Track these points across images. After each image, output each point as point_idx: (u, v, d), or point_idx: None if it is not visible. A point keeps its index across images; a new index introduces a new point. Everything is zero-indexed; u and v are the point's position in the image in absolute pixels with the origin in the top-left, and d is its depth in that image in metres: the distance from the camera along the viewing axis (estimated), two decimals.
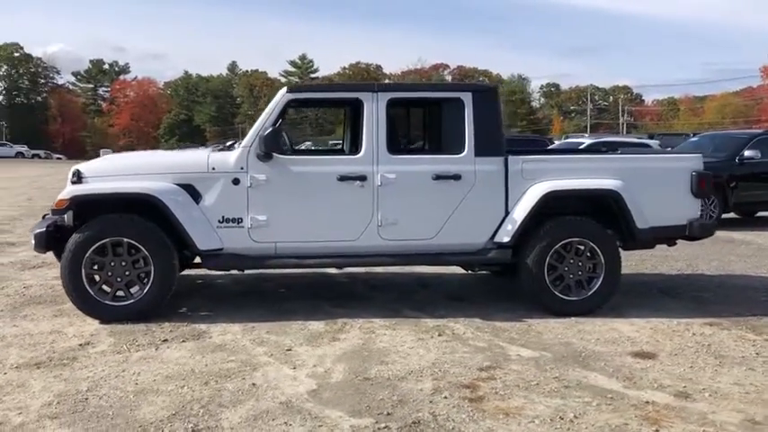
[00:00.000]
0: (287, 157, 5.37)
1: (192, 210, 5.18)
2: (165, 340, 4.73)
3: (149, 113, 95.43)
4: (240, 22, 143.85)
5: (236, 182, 5.24)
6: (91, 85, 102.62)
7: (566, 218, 5.58)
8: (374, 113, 5.38)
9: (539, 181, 5.51)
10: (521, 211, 5.45)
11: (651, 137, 22.26)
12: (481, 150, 5.48)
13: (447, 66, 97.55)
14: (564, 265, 5.55)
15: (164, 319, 5.20)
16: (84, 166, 5.29)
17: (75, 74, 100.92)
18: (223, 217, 5.25)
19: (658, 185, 5.69)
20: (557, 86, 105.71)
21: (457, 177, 5.41)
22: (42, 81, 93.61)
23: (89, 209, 5.19)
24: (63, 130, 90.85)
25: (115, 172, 5.29)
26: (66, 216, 5.12)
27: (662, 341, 4.87)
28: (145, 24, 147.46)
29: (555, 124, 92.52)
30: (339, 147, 7.12)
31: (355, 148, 5.60)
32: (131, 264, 5.12)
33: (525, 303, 5.72)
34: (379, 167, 5.34)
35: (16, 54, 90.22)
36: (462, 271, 6.76)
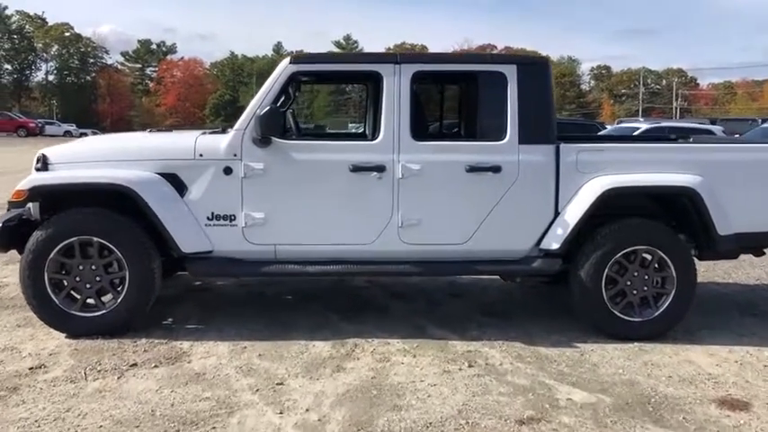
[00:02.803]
0: (289, 142, 4.45)
1: (174, 204, 4.32)
2: (134, 364, 3.89)
3: (195, 93, 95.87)
4: (287, 2, 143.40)
5: (227, 171, 4.36)
6: (139, 65, 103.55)
7: (630, 220, 4.54)
8: (396, 90, 4.42)
9: (597, 174, 4.49)
10: (574, 212, 4.43)
11: (713, 122, 20.62)
12: (527, 137, 4.47)
13: (494, 46, 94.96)
14: (626, 278, 4.52)
15: (142, 332, 4.38)
16: (51, 151, 4.47)
17: (123, 54, 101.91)
18: (213, 213, 4.38)
19: (746, 182, 4.60)
20: (608, 69, 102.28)
21: (496, 169, 4.42)
22: (92, 61, 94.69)
23: (59, 201, 4.38)
24: (111, 110, 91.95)
25: (87, 158, 4.45)
26: (31, 208, 4.33)
27: (754, 382, 3.83)
28: (194, 5, 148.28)
29: (605, 108, 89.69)
30: (360, 131, 6.18)
31: (373, 132, 4.65)
32: (103, 268, 4.30)
33: (577, 322, 4.71)
34: (401, 156, 4.39)
35: (67, 34, 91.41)
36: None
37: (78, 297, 4.32)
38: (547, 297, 5.62)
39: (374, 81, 4.81)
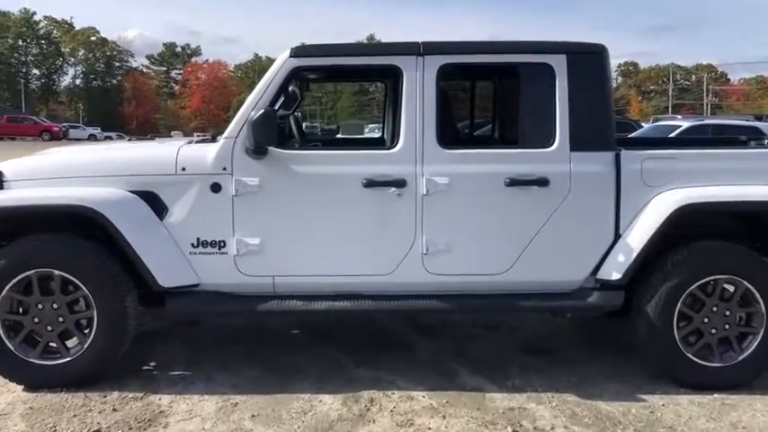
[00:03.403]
0: (289, 152, 3.68)
1: (151, 228, 3.58)
2: (97, 431, 3.15)
3: (220, 96, 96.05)
4: (309, 5, 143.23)
5: (215, 188, 3.60)
6: (164, 68, 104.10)
7: (707, 244, 3.69)
8: (419, 87, 3.62)
9: (668, 187, 3.65)
10: (640, 234, 3.60)
11: (759, 118, 19.40)
12: (580, 142, 3.64)
13: None
14: (703, 314, 3.67)
15: (115, 383, 3.64)
16: (8, 166, 3.75)
17: (148, 57, 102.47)
18: (198, 239, 3.63)
19: None
20: (635, 65, 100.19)
21: (542, 182, 3.60)
22: (117, 64, 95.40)
23: (17, 226, 3.67)
24: (137, 113, 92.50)
25: (49, 174, 3.71)
26: None
27: None
28: (219, 8, 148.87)
29: (632, 105, 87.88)
30: (376, 136, 5.35)
31: (391, 138, 3.86)
32: (67, 306, 3.56)
33: (643, 365, 3.88)
34: (425, 167, 3.60)
35: (93, 38, 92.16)
36: None
37: (38, 341, 3.59)
38: (600, 330, 4.76)
39: (392, 77, 4.02)
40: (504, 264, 3.68)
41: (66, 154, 4.03)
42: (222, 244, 3.63)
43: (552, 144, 3.65)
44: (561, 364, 4.05)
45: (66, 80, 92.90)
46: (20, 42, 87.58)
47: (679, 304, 3.63)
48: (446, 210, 3.63)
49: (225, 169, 3.59)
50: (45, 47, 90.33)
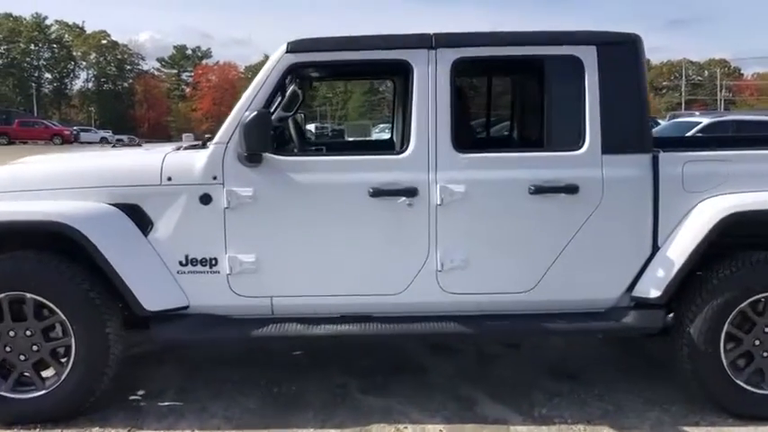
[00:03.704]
0: (286, 158, 3.30)
1: (134, 245, 3.21)
2: None
3: (230, 97, 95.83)
4: (321, 5, 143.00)
5: (205, 200, 3.23)
6: (175, 71, 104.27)
7: (760, 256, 3.27)
8: (431, 84, 3.24)
9: (712, 194, 3.24)
10: (682, 246, 3.19)
11: None
12: (613, 144, 3.24)
13: None
14: (753, 335, 3.27)
15: (96, 417, 3.28)
16: None
17: (159, 60, 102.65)
18: (187, 257, 3.26)
19: None
20: (647, 62, 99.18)
21: (571, 189, 3.20)
22: (128, 67, 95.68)
23: None
24: (148, 116, 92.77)
25: (21, 185, 3.35)
26: None
27: None
28: (230, 10, 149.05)
29: None
30: (385, 138, 4.93)
31: (401, 141, 3.47)
32: (42, 333, 3.20)
33: (684, 389, 3.47)
34: (439, 174, 3.21)
35: (104, 42, 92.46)
36: None
37: (10, 372, 3.24)
38: (632, 347, 4.34)
39: (402, 73, 3.64)
40: (529, 281, 3.28)
41: (42, 163, 3.66)
42: (213, 262, 3.26)
43: (582, 146, 3.25)
44: (592, 388, 3.65)
45: (78, 84, 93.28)
46: (32, 47, 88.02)
47: (726, 324, 3.22)
48: (463, 221, 3.24)
49: (215, 178, 3.22)
50: (57, 51, 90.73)
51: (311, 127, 36.92)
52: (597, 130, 3.24)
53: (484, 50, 3.35)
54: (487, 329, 3.31)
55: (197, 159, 3.26)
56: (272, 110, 3.37)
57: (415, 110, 3.24)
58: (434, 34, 3.29)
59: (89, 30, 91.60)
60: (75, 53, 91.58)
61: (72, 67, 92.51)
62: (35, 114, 65.56)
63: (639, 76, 3.32)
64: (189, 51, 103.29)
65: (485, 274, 3.27)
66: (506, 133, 4.47)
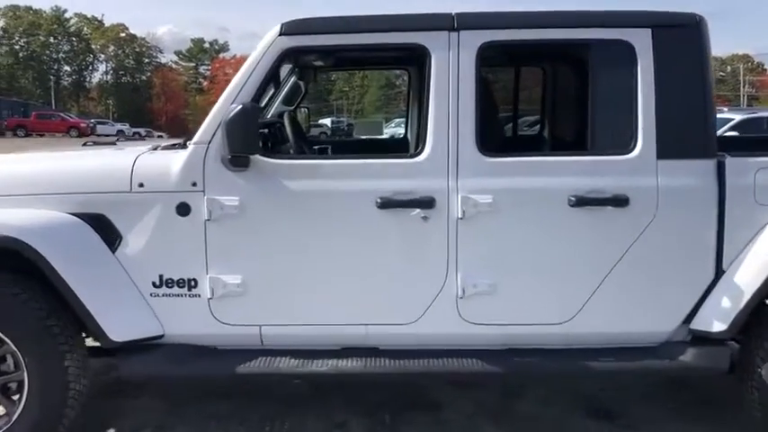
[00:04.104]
0: (278, 161, 2.77)
1: (98, 263, 2.72)
2: None
3: None
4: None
5: (183, 210, 2.72)
6: (192, 64, 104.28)
7: None
8: (452, 73, 2.70)
9: None
10: (753, 270, 2.65)
11: None
12: (670, 147, 2.70)
13: None
14: None
15: None
16: None
17: (177, 53, 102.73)
18: (161, 277, 2.76)
19: None
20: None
21: (620, 201, 2.66)
22: (146, 60, 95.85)
23: None
24: (166, 108, 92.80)
25: None
26: None
27: None
28: (247, 4, 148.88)
29: None
30: (397, 138, 4.35)
31: (416, 142, 2.95)
32: None
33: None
34: (461, 181, 2.68)
35: (122, 35, 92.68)
36: None
37: None
38: (681, 379, 3.78)
39: (417, 61, 3.12)
40: (567, 310, 2.75)
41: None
42: (193, 283, 2.76)
43: (633, 149, 2.71)
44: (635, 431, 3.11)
45: (96, 76, 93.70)
46: (51, 39, 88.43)
47: None
48: (489, 238, 2.71)
49: (194, 185, 2.72)
50: (76, 44, 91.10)
51: (327, 121, 36.53)
52: (651, 131, 2.70)
53: (516, 33, 2.78)
54: (516, 368, 2.77)
55: (173, 162, 2.75)
56: (262, 103, 2.85)
57: (432, 104, 2.71)
58: (457, 14, 2.76)
59: (108, 23, 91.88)
60: (93, 46, 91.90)
61: (91, 60, 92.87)
62: (53, 107, 65.74)
63: (703, 66, 2.75)
64: (206, 45, 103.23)
65: (514, 302, 2.74)
66: (536, 132, 3.91)
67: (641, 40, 2.71)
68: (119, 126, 59.41)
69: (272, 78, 2.80)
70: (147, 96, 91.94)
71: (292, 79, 3.92)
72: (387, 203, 2.67)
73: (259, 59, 2.73)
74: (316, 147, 4.02)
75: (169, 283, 2.76)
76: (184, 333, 2.80)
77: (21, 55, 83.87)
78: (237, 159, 2.66)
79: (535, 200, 2.70)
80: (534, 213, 2.70)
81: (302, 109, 4.46)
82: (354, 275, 2.75)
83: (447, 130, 2.70)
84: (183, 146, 2.88)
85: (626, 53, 2.72)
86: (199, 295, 2.76)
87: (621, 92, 2.74)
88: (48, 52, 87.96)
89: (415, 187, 2.69)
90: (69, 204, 2.74)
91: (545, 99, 3.89)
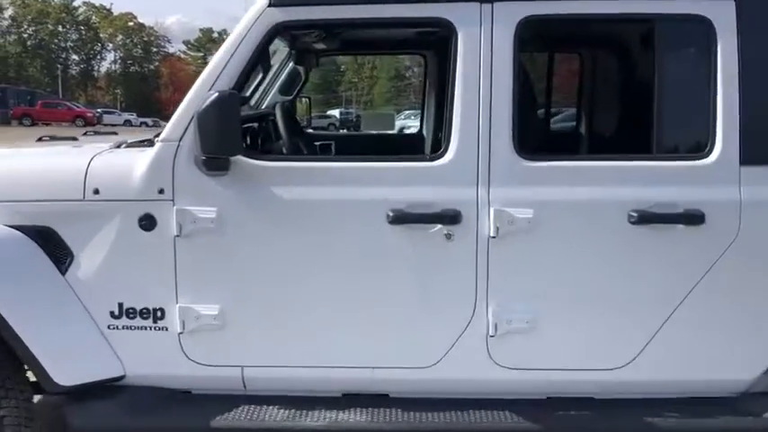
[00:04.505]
0: (266, 163, 2.22)
1: (44, 288, 2.20)
2: None
3: None
4: None
5: (147, 224, 2.19)
6: (201, 54, 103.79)
7: None
8: (483, 55, 2.15)
9: None
10: None
11: None
12: (757, 150, 2.14)
13: None
14: None
15: None
16: None
17: (185, 42, 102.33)
18: (121, 306, 2.24)
19: None
20: None
21: (693, 218, 2.12)
22: (155, 50, 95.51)
23: None
24: (174, 99, 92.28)
25: None
26: None
27: None
28: None
29: None
30: (412, 134, 3.76)
31: (435, 141, 2.41)
32: None
33: None
34: (494, 191, 2.14)
35: (130, 23, 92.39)
36: None
37: None
38: None
39: (439, 42, 2.56)
40: (623, 353, 2.21)
41: None
42: (159, 314, 2.23)
43: (709, 153, 2.16)
44: None
45: (104, 66, 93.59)
46: (59, 28, 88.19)
47: None
48: (528, 262, 2.17)
49: (162, 192, 2.18)
50: (84, 32, 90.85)
51: (335, 112, 35.92)
52: (734, 130, 2.14)
53: (565, 6, 2.22)
54: (559, 423, 2.23)
55: (136, 164, 2.22)
56: (248, 91, 2.32)
57: (459, 95, 2.16)
58: None
59: (116, 12, 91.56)
60: (102, 35, 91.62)
61: (99, 49, 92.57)
62: (61, 96, 65.42)
63: None
64: (215, 34, 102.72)
65: (558, 342, 2.20)
66: (572, 129, 3.34)
67: (722, 15, 2.15)
68: (126, 116, 59.14)
69: (259, 60, 2.25)
70: (155, 86, 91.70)
71: (290, 65, 3.38)
72: (400, 218, 2.13)
73: (243, 36, 2.19)
74: (317, 143, 3.48)
75: (130, 313, 2.24)
76: (149, 374, 2.27)
77: (29, 44, 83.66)
78: (214, 161, 2.12)
79: (586, 215, 2.15)
80: (585, 232, 2.16)
81: (303, 99, 3.92)
82: (359, 306, 2.21)
83: (477, 126, 2.15)
84: (152, 143, 2.34)
85: (702, 32, 2.16)
86: (166, 328, 2.24)
87: (696, 79, 2.19)
88: (56, 41, 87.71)
89: (435, 197, 2.15)
90: (8, 215, 2.22)
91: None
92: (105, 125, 44.64)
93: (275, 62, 3.26)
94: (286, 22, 2.20)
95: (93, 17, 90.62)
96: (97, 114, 47.24)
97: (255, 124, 2.69)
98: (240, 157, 2.16)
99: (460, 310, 2.19)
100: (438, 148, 2.25)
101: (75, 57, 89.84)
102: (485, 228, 2.14)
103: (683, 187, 2.14)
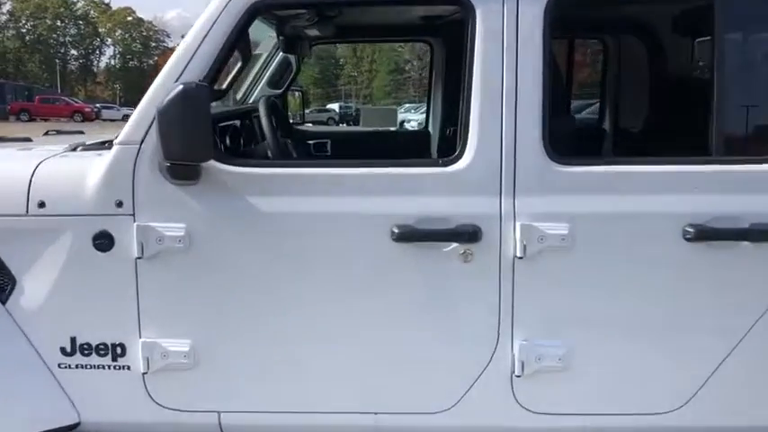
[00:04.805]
0: (244, 170, 1.84)
1: None
2: None
3: None
4: None
5: (103, 243, 1.82)
6: None
7: None
8: (507, 42, 1.77)
9: None
10: None
11: None
12: None
13: None
14: None
15: None
16: None
17: (183, 36, 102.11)
18: (74, 342, 1.87)
19: None
20: None
21: (761, 233, 1.74)
22: (153, 44, 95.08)
23: None
24: None
25: None
26: None
27: None
28: None
29: None
30: (418, 131, 3.34)
31: (443, 141, 2.03)
32: None
33: None
34: (521, 201, 1.77)
35: (129, 18, 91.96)
36: None
37: None
38: None
39: (447, 26, 2.19)
40: (678, 393, 1.84)
41: None
42: (119, 350, 1.87)
43: None
44: None
45: (103, 61, 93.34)
46: (58, 23, 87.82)
47: None
48: (562, 288, 1.80)
49: (120, 205, 1.81)
50: (83, 27, 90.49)
51: (335, 106, 35.53)
52: None
53: None
54: None
55: (90, 172, 1.84)
56: (225, 83, 1.94)
57: (478, 85, 1.78)
58: None
59: (114, 6, 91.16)
60: (100, 30, 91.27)
61: (98, 44, 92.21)
62: (59, 91, 65.03)
63: None
64: None
65: (597, 382, 1.84)
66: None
67: None
68: (125, 111, 58.63)
69: (236, 46, 1.87)
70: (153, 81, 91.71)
71: (279, 55, 3.00)
72: (407, 235, 1.76)
73: (216, 18, 1.81)
74: (311, 142, 3.10)
75: (85, 349, 1.87)
76: (109, 421, 1.91)
77: (27, 39, 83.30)
78: (181, 169, 1.75)
79: (632, 231, 1.78)
80: (630, 251, 1.78)
81: (296, 93, 3.54)
82: (359, 340, 1.85)
83: (500, 123, 1.78)
84: (110, 145, 1.97)
85: None
86: (128, 367, 1.87)
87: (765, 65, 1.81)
88: (54, 36, 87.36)
89: (449, 210, 1.78)
90: None
91: (610, 79, 2.94)
92: (104, 120, 44.28)
93: (263, 51, 2.90)
94: (267, 1, 1.82)
95: (92, 12, 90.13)
96: (96, 109, 46.79)
97: (236, 123, 2.32)
98: (214, 163, 1.79)
99: (480, 345, 1.83)
100: (446, 146, 1.88)
101: (73, 52, 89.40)
102: (509, 247, 1.77)
103: (748, 196, 1.77)
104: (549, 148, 1.78)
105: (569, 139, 2.08)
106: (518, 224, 1.76)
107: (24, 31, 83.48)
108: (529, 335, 1.81)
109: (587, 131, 3.14)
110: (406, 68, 63.55)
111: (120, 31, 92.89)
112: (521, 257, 1.76)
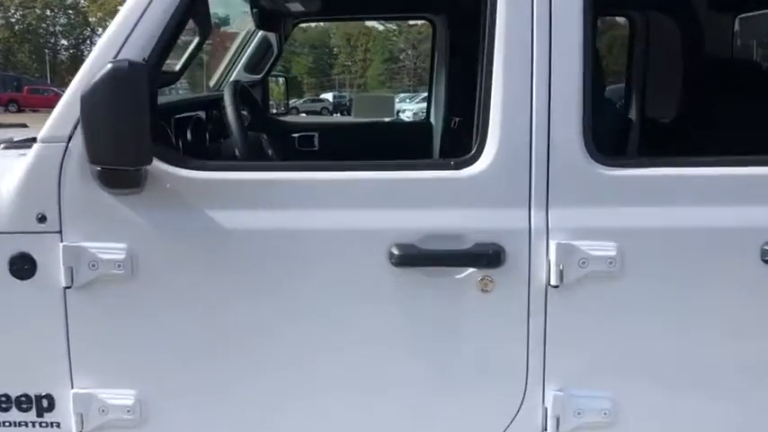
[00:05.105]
0: (202, 175, 1.44)
1: None
2: None
3: None
4: None
5: (20, 268, 1.42)
6: (190, 38, 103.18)
7: None
8: (537, 17, 1.38)
9: None
10: None
11: None
12: None
13: None
14: None
15: None
16: None
17: None
18: None
19: None
20: None
21: None
22: None
23: None
24: None
25: None
26: None
27: None
28: None
29: None
30: (423, 126, 2.92)
31: (452, 137, 1.63)
32: None
33: None
34: (555, 214, 1.38)
35: (119, 8, 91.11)
36: None
37: None
38: None
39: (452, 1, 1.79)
40: None
41: None
42: (46, 404, 1.48)
43: None
44: None
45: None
46: (47, 12, 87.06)
47: None
48: (608, 325, 1.41)
49: (43, 221, 1.41)
50: (72, 17, 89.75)
51: (329, 96, 35.00)
52: None
53: None
54: None
55: (4, 178, 1.45)
56: (178, 65, 1.54)
57: (500, 69, 1.39)
58: None
59: None
60: (91, 19, 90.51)
61: (88, 34, 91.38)
62: (49, 81, 64.32)
63: None
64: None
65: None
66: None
67: None
68: None
69: (189, 15, 1.47)
70: None
71: (258, 35, 2.60)
72: (410, 257, 1.38)
73: None
74: (296, 135, 2.70)
75: (2, 402, 1.48)
76: None
77: (17, 28, 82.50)
78: (114, 174, 1.36)
79: (699, 251, 1.39)
80: (695, 276, 1.40)
81: (279, 79, 3.14)
82: (350, 390, 1.46)
83: (528, 115, 1.39)
84: (31, 143, 1.57)
85: None
86: (58, 424, 1.48)
87: None
88: (44, 26, 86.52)
89: (464, 225, 1.39)
90: None
91: (637, 61, 2.53)
92: None
93: (238, 29, 2.51)
94: None
95: (82, 1, 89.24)
96: None
97: (200, 114, 1.92)
98: (163, 167, 1.39)
99: (503, 395, 1.44)
100: (452, 140, 1.49)
101: (63, 42, 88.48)
102: (541, 272, 1.39)
103: None
104: (590, 145, 1.39)
105: (615, 136, 1.69)
106: (552, 243, 1.38)
107: (14, 20, 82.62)
108: (565, 384, 1.43)
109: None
110: (401, 57, 63.17)
111: (110, 21, 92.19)
112: (556, 286, 1.38)
